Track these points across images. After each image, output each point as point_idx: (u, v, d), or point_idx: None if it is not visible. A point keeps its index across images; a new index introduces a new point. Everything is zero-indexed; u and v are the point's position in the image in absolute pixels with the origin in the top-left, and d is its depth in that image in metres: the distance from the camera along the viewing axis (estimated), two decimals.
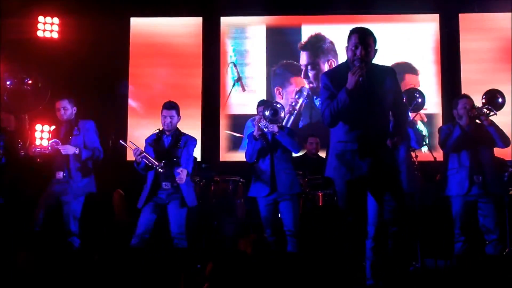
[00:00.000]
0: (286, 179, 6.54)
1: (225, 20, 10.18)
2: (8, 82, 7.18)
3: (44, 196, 6.53)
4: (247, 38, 10.09)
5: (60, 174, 6.53)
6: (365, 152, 4.57)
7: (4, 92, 7.27)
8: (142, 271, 4.49)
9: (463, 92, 8.75)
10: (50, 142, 6.60)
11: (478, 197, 6.26)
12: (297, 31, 9.98)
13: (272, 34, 10.07)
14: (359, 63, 4.49)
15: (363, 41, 4.56)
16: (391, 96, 4.69)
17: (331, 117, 4.59)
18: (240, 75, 9.73)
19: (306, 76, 9.86)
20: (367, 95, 4.51)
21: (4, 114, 7.33)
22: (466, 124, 6.21)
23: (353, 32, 4.65)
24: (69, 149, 6.49)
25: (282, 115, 6.54)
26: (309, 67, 9.87)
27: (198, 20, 10.16)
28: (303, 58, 9.96)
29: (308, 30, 9.99)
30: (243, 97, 9.79)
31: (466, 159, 6.29)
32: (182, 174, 6.16)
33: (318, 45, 9.94)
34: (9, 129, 7.26)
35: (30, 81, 7.08)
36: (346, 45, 4.68)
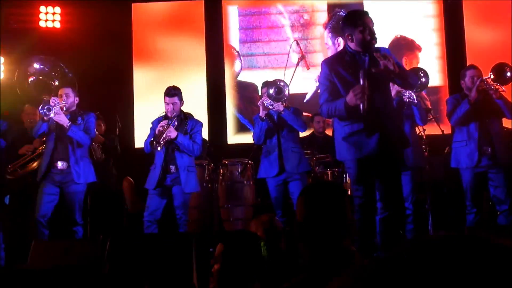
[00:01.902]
0: (293, 158, 6.56)
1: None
2: (37, 66, 6.97)
3: (43, 185, 6.42)
4: (307, 15, 9.97)
5: (62, 164, 6.42)
6: (371, 129, 4.60)
7: (30, 76, 7.08)
8: (153, 256, 4.51)
9: (468, 63, 8.69)
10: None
11: (488, 168, 6.24)
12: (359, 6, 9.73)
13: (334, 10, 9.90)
14: (364, 83, 4.48)
15: (368, 24, 4.61)
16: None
17: (328, 116, 4.80)
18: (304, 53, 9.53)
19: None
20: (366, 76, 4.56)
21: (30, 108, 7.30)
22: (474, 98, 6.17)
23: (362, 14, 4.75)
24: (64, 118, 6.32)
25: (286, 93, 6.52)
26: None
27: (200, 3, 10.11)
28: (327, 38, 9.86)
29: (370, 5, 9.69)
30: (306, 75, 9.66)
31: (474, 131, 6.26)
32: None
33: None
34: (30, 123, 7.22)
35: (57, 83, 6.96)
36: (349, 27, 4.67)
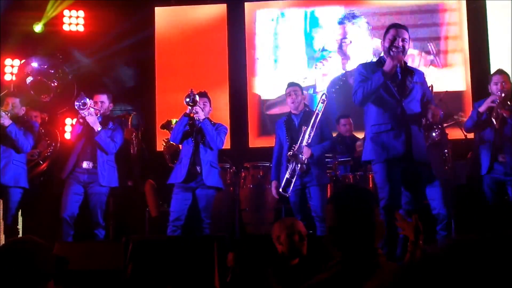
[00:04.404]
0: (313, 169, 6.41)
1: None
2: (35, 65, 6.94)
3: (69, 184, 6.48)
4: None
5: (87, 164, 6.46)
6: (398, 131, 4.81)
7: (28, 76, 7.07)
8: (176, 258, 4.53)
9: (492, 64, 8.71)
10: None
11: None
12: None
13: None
14: (398, 51, 4.82)
15: (401, 34, 4.90)
16: (421, 89, 5.01)
17: (363, 96, 4.87)
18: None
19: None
20: (398, 82, 4.89)
21: (31, 111, 7.37)
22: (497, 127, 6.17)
23: (391, 27, 5.00)
24: (94, 120, 6.37)
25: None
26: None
27: (223, 7, 10.13)
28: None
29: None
30: None
31: None
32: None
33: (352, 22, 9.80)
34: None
35: (56, 83, 6.99)
36: (382, 39, 5.02)
